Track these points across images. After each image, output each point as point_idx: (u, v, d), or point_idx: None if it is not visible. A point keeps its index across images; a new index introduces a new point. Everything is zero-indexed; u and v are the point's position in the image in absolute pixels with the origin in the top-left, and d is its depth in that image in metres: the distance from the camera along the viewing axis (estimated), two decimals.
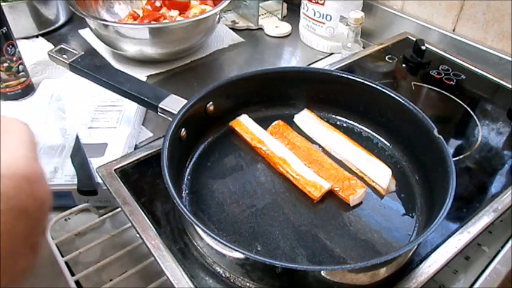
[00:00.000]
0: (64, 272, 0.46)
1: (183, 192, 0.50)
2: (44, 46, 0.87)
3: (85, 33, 0.92)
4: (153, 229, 0.44)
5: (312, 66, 0.86)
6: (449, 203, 0.40)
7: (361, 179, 0.52)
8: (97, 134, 0.61)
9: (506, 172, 0.55)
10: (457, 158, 0.57)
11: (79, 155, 0.55)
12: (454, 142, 0.60)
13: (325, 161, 0.53)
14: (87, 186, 0.51)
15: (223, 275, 0.42)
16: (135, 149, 0.62)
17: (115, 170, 0.50)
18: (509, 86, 0.70)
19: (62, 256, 0.48)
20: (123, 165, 0.51)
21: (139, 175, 0.51)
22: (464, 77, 0.72)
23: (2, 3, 0.72)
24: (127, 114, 0.64)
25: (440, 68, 0.74)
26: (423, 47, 0.74)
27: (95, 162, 0.54)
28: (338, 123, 0.60)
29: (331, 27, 0.85)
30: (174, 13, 0.86)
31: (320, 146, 0.57)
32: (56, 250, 0.49)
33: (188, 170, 0.53)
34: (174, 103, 0.52)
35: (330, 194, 0.50)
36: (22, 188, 0.22)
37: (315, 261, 0.43)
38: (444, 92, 0.69)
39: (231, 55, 0.89)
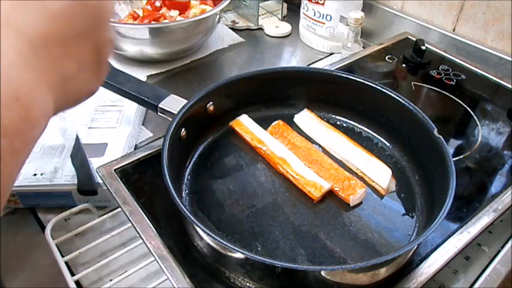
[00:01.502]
0: (64, 272, 0.46)
1: (183, 192, 0.50)
2: None
3: None
4: (153, 229, 0.44)
5: (312, 66, 0.86)
6: (449, 203, 0.40)
7: (361, 179, 0.52)
8: (97, 134, 0.61)
9: (506, 172, 0.55)
10: (457, 158, 0.57)
11: (79, 155, 0.55)
12: (454, 142, 0.60)
13: (325, 161, 0.53)
14: (87, 186, 0.51)
15: (223, 275, 0.42)
16: (135, 149, 0.62)
17: (115, 170, 0.50)
18: (509, 86, 0.70)
19: (62, 256, 0.48)
20: (123, 165, 0.51)
21: (139, 175, 0.51)
22: (464, 77, 0.72)
23: None
24: (127, 114, 0.64)
25: (440, 68, 0.74)
26: (423, 47, 0.74)
27: (95, 162, 0.54)
28: (338, 123, 0.60)
29: (331, 27, 0.85)
30: (174, 13, 0.86)
31: (320, 146, 0.57)
32: (56, 250, 0.49)
33: (188, 170, 0.53)
34: (174, 103, 0.52)
35: (330, 194, 0.50)
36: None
37: (315, 261, 0.43)
38: (444, 92, 0.69)
39: (231, 55, 0.89)
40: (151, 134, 0.67)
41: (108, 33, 0.27)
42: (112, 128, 0.62)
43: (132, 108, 0.65)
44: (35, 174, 0.53)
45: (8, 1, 0.21)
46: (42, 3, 0.22)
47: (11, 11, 0.21)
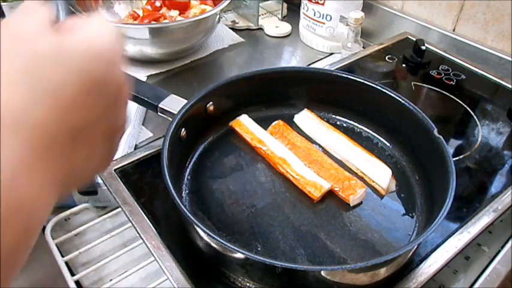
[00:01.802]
0: (64, 272, 0.46)
1: (183, 192, 0.50)
2: None
3: None
4: (153, 229, 0.44)
5: (312, 66, 0.86)
6: (449, 203, 0.40)
7: (361, 179, 0.52)
8: None
9: (506, 172, 0.55)
10: (457, 158, 0.57)
11: None
12: (454, 142, 0.60)
13: (325, 161, 0.53)
14: (87, 187, 0.51)
15: (223, 275, 0.42)
16: (135, 149, 0.62)
17: (115, 170, 0.50)
18: (509, 86, 0.70)
19: (62, 256, 0.48)
20: (123, 165, 0.51)
21: (139, 175, 0.51)
22: (464, 77, 0.72)
23: (2, 4, 0.71)
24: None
25: (440, 68, 0.74)
26: (423, 47, 0.74)
27: None
28: (338, 123, 0.60)
29: (331, 27, 0.85)
30: (174, 13, 0.86)
31: (320, 146, 0.57)
32: (56, 250, 0.49)
33: (188, 170, 0.53)
34: (174, 103, 0.52)
35: (330, 194, 0.50)
36: (99, 64, 0.22)
37: (315, 261, 0.43)
38: (444, 92, 0.69)
39: (231, 55, 0.89)
40: (151, 134, 0.67)
41: (124, 117, 0.25)
42: None
43: (132, 108, 0.65)
44: None
45: (17, 98, 0.19)
46: (55, 96, 0.20)
47: (19, 112, 0.18)
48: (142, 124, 0.68)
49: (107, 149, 0.25)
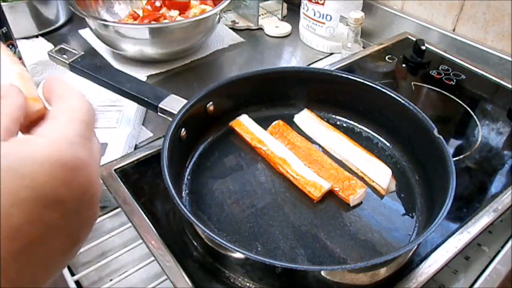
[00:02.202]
0: (64, 272, 0.46)
1: (183, 192, 0.50)
2: (44, 46, 0.87)
3: (85, 33, 0.92)
4: (153, 229, 0.44)
5: (312, 66, 0.86)
6: (449, 203, 0.40)
7: (361, 179, 0.52)
8: (97, 133, 0.60)
9: (506, 172, 0.55)
10: (457, 158, 0.57)
11: None
12: (454, 142, 0.60)
13: (325, 161, 0.53)
14: None
15: (223, 275, 0.42)
16: (135, 149, 0.62)
17: (115, 170, 0.50)
18: (509, 86, 0.70)
19: None
20: (123, 165, 0.51)
21: (139, 175, 0.51)
22: (464, 77, 0.72)
23: (2, 3, 0.71)
24: (127, 114, 0.64)
25: (440, 68, 0.74)
26: (423, 47, 0.74)
27: None
28: (338, 123, 0.60)
29: (331, 27, 0.85)
30: (174, 13, 0.86)
31: (320, 146, 0.57)
32: None
33: (188, 170, 0.53)
34: (174, 103, 0.52)
35: (330, 194, 0.50)
36: (55, 175, 0.20)
37: (315, 261, 0.43)
38: (444, 92, 0.69)
39: (231, 55, 0.89)
40: (151, 134, 0.67)
41: (92, 220, 0.23)
42: (112, 128, 0.62)
43: (132, 108, 0.65)
44: None
45: None
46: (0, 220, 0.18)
47: None
48: (143, 124, 0.68)
49: (66, 258, 0.23)
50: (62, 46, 0.61)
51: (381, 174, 0.51)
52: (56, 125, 0.22)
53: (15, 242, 0.18)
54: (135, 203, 0.47)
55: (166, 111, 0.52)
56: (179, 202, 0.39)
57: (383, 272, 0.40)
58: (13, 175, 0.19)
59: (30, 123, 0.24)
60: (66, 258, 0.22)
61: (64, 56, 0.60)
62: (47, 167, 0.20)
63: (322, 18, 0.85)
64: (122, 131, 0.61)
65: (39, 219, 0.19)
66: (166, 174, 0.41)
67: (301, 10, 0.90)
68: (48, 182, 0.19)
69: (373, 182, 0.51)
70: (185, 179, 0.52)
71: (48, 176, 0.20)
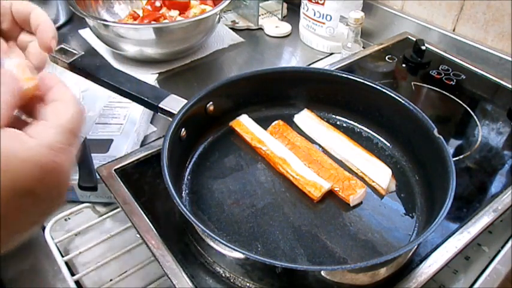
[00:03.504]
0: (64, 272, 0.46)
1: (183, 192, 0.50)
2: None
3: (85, 33, 0.92)
4: (153, 229, 0.44)
5: (312, 66, 0.86)
6: (449, 203, 0.40)
7: (361, 179, 0.52)
8: (103, 129, 0.61)
9: (506, 172, 0.55)
10: (457, 158, 0.57)
11: (82, 150, 0.55)
12: (454, 142, 0.60)
13: (325, 161, 0.53)
14: (87, 182, 0.51)
15: (223, 275, 0.42)
16: (141, 146, 0.63)
17: (115, 170, 0.50)
18: (509, 86, 0.70)
19: (62, 256, 0.48)
20: (123, 165, 0.51)
21: (139, 175, 0.51)
22: (464, 77, 0.72)
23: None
24: (135, 112, 0.64)
25: (440, 68, 0.74)
26: (423, 47, 0.74)
27: (98, 158, 0.54)
28: (338, 123, 0.60)
29: (331, 27, 0.85)
30: (174, 13, 0.86)
31: (320, 146, 0.57)
32: (56, 250, 0.49)
33: (188, 170, 0.53)
34: (174, 103, 0.52)
35: (330, 194, 0.50)
36: (33, 173, 0.24)
37: (315, 261, 0.43)
38: (444, 92, 0.69)
39: (231, 55, 0.89)
40: (157, 132, 0.67)
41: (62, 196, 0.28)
42: (119, 125, 0.62)
43: (139, 106, 0.65)
44: None
45: None
46: None
47: None
48: (151, 122, 0.69)
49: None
50: (62, 46, 0.61)
51: (381, 174, 0.51)
52: (44, 131, 0.26)
53: None
54: (135, 203, 0.47)
55: (166, 111, 0.52)
56: (179, 202, 0.39)
57: (383, 272, 0.40)
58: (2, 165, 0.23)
59: (27, 101, 0.29)
60: (34, 228, 0.28)
61: (64, 56, 0.59)
62: (28, 166, 0.24)
63: (322, 18, 0.85)
64: (128, 128, 0.61)
65: (14, 202, 0.24)
66: (166, 174, 0.41)
67: (301, 10, 0.90)
68: (27, 178, 0.24)
69: (373, 182, 0.51)
70: (185, 179, 0.52)
71: (27, 174, 0.24)
